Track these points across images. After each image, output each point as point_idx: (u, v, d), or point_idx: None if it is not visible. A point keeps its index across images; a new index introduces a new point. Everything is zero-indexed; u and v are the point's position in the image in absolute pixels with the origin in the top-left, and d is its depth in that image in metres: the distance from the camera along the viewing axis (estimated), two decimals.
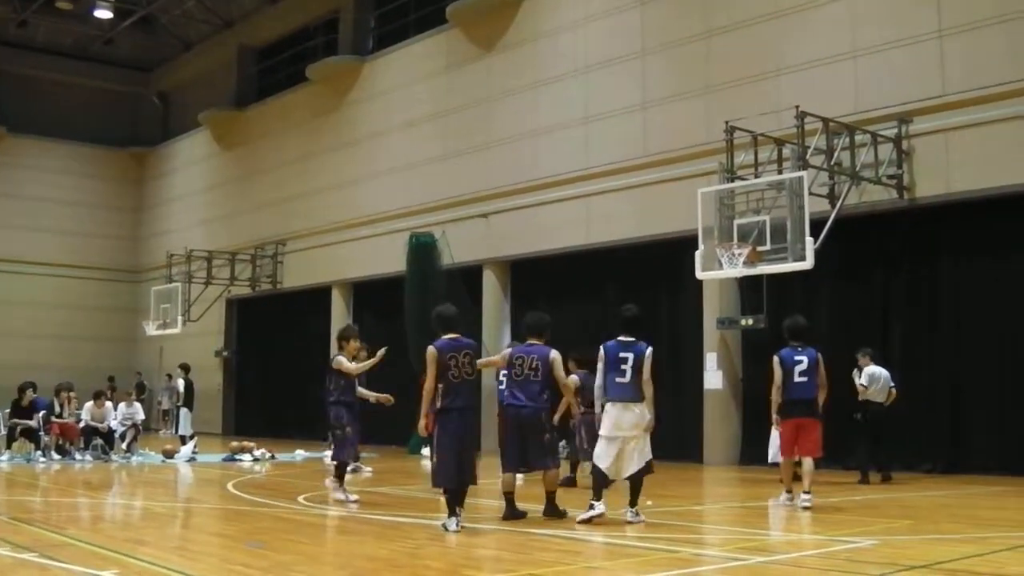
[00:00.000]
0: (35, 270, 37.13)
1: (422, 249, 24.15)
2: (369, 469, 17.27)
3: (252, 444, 20.95)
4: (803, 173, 15.81)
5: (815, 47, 18.24)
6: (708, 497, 14.93)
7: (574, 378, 12.88)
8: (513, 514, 10.35)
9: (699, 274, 16.97)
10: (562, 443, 13.43)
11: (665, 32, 20.79)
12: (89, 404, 20.02)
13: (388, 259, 25.66)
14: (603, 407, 10.37)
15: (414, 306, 23.15)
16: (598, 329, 20.85)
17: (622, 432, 10.24)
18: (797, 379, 11.98)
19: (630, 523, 10.04)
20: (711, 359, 19.44)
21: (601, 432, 10.41)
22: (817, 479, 12.26)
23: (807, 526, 10.58)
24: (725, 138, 17.11)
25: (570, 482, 13.76)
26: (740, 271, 16.35)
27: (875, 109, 17.24)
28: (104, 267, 38.89)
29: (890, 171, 16.88)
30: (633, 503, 10.23)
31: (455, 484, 9.63)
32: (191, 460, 20.04)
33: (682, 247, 18.11)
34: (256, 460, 20.09)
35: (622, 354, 10.32)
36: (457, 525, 9.46)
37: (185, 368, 23.79)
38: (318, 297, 29.51)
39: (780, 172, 17.05)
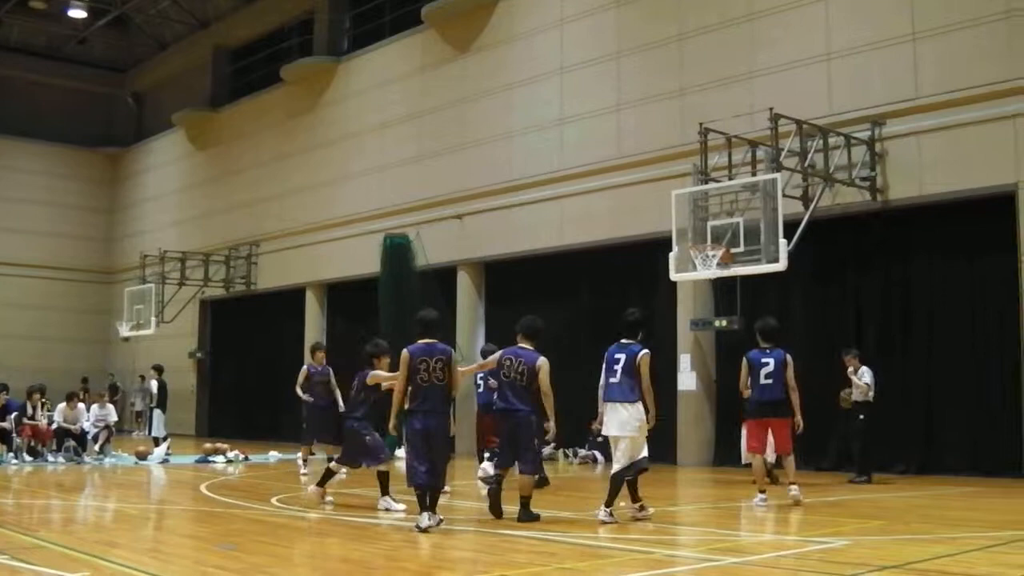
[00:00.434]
0: (7, 271, 36.79)
1: (396, 250, 24.12)
2: (344, 471, 17.15)
3: (226, 446, 20.86)
4: (777, 175, 15.87)
5: (789, 50, 18.31)
6: (682, 498, 14.97)
7: None
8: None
9: (673, 275, 17.01)
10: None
11: (639, 34, 20.80)
12: (62, 406, 19.90)
13: (362, 260, 25.64)
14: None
15: (388, 307, 23.12)
16: (573, 330, 21.11)
17: (610, 432, 10.46)
18: (763, 381, 12.17)
19: (604, 523, 10.08)
20: (685, 360, 19.48)
21: (602, 431, 10.64)
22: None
23: (780, 527, 10.64)
24: (699, 140, 17.17)
25: (543, 482, 13.73)
26: (714, 272, 16.38)
27: (848, 112, 17.32)
28: (77, 268, 38.58)
29: (863, 173, 16.97)
30: (609, 503, 10.26)
31: (424, 483, 9.67)
32: (164, 462, 19.95)
33: (656, 248, 18.15)
34: (229, 462, 20.00)
35: (616, 355, 10.52)
36: (430, 519, 9.48)
37: (158, 369, 23.68)
38: (292, 298, 29.41)
39: (754, 174, 17.10)
